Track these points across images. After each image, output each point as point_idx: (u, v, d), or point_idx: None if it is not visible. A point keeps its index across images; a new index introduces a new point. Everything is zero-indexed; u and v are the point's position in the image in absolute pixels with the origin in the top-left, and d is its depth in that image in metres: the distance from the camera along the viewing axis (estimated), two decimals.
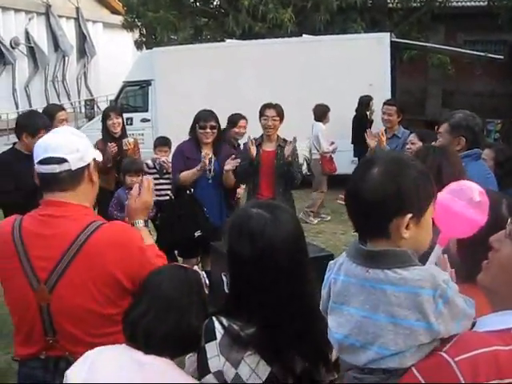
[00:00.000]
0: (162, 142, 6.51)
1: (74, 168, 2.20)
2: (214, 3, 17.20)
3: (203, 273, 2.14)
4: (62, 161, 2.18)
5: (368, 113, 10.21)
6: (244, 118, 6.77)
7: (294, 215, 1.96)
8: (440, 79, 17.99)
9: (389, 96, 11.09)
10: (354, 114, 10.41)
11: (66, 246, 2.12)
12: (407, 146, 4.86)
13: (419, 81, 17.88)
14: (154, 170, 6.09)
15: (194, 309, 1.87)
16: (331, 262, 1.77)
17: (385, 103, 6.76)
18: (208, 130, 5.10)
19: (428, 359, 1.46)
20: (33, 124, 4.41)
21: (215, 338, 1.74)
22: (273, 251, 1.73)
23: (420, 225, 1.57)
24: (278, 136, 5.59)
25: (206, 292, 2.03)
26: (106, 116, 6.13)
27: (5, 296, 2.30)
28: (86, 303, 2.13)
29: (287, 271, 1.76)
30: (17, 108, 21.48)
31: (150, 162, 6.15)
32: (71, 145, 2.22)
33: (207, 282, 2.06)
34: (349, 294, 1.61)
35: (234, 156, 5.15)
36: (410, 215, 1.53)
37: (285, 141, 5.60)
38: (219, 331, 1.75)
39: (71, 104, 24.53)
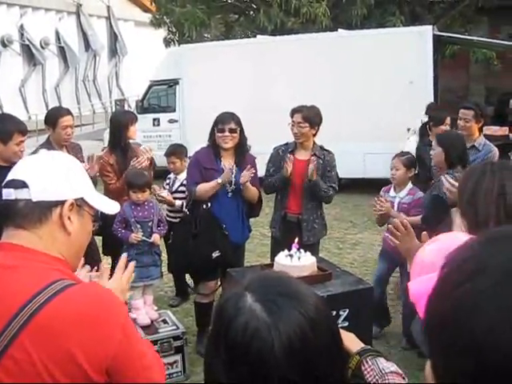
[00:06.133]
0: (170, 151, 5.67)
1: (34, 199, 1.55)
2: None
3: None
4: (21, 185, 1.56)
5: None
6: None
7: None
8: (483, 76, 17.19)
9: (430, 95, 10.41)
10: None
11: (11, 313, 1.44)
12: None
13: (461, 78, 17.12)
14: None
15: None
16: None
17: (461, 107, 5.52)
18: (227, 134, 4.48)
19: None
20: (3, 128, 3.85)
21: None
22: None
23: None
24: (314, 143, 4.93)
25: None
26: (129, 121, 5.08)
27: None
28: None
29: None
30: (47, 109, 21.15)
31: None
32: (40, 169, 1.59)
33: None
34: None
35: (249, 166, 4.49)
36: None
37: (322, 149, 4.94)
38: None
39: (102, 104, 24.28)
